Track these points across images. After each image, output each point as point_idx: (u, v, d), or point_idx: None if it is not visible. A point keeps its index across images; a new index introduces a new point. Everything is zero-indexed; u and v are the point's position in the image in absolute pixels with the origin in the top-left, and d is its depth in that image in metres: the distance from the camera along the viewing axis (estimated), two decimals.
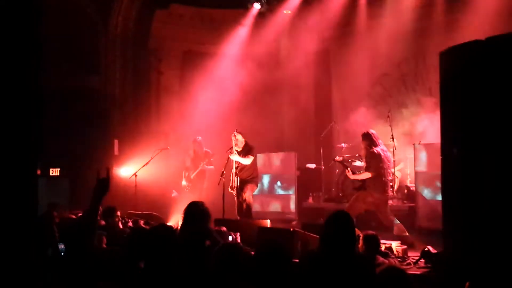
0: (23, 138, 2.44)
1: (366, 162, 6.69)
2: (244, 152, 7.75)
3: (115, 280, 3.12)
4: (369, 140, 6.66)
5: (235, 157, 7.65)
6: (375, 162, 6.58)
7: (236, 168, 7.77)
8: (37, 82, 2.56)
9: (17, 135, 2.36)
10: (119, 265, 3.30)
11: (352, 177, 6.84)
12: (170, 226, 3.75)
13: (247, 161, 7.72)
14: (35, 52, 2.45)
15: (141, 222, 6.46)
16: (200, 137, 8.78)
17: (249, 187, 7.81)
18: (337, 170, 9.71)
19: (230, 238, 6.17)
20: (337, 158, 8.56)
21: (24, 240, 2.46)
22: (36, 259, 2.85)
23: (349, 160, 9.08)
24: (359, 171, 6.99)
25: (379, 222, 6.83)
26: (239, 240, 6.05)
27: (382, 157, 6.64)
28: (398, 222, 6.60)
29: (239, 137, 7.84)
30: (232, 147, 7.96)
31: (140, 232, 3.38)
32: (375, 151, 6.62)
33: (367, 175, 6.58)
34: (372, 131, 6.82)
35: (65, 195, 8.40)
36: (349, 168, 7.03)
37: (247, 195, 7.83)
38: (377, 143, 6.70)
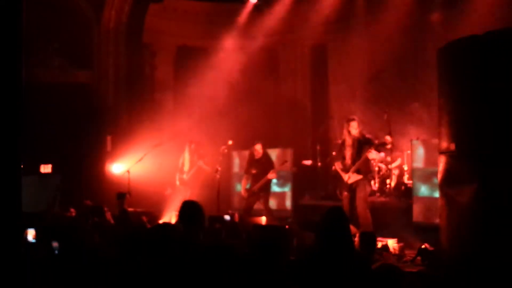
0: (6, 134, 2.35)
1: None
2: (270, 166, 7.68)
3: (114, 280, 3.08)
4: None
5: (273, 176, 7.60)
6: None
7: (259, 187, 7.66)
8: (21, 76, 2.46)
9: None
10: (116, 264, 3.25)
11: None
12: (170, 224, 3.68)
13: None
14: (17, 46, 2.36)
15: (144, 219, 6.32)
16: (193, 145, 8.60)
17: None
18: (333, 167, 9.62)
19: (227, 217, 6.16)
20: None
21: (9, 238, 2.39)
22: (25, 257, 2.78)
23: None
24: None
25: (374, 220, 6.74)
26: (237, 219, 6.09)
27: None
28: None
29: (258, 147, 7.76)
30: (227, 144, 7.92)
31: (140, 232, 3.33)
32: None
33: None
34: None
35: (57, 191, 8.27)
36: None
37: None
38: None
